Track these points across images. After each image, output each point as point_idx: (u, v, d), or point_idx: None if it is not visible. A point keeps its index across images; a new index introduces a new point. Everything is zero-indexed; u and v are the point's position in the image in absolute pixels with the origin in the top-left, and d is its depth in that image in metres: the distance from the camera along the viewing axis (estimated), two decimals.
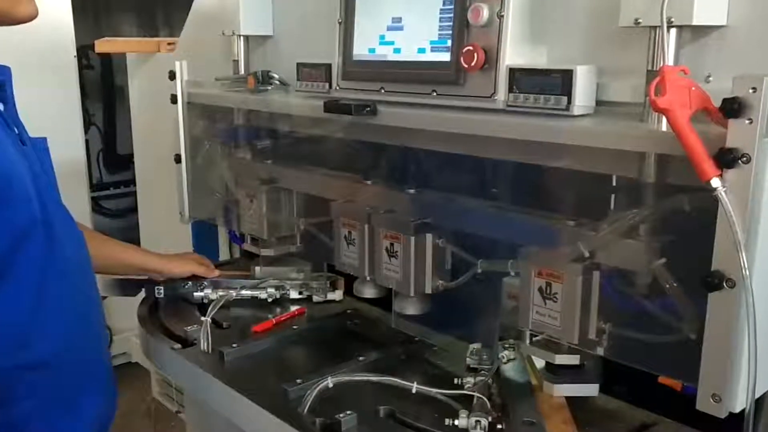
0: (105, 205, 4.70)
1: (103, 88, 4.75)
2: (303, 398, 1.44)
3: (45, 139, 1.48)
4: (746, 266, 1.04)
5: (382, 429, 1.41)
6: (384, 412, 1.45)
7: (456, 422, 1.34)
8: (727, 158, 1.05)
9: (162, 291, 2.05)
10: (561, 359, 1.44)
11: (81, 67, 3.99)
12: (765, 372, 1.15)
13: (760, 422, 1.23)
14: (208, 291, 2.02)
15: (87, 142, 4.08)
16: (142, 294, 2.10)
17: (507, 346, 1.58)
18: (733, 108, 1.03)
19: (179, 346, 1.77)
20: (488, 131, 1.42)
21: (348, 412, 1.39)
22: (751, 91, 1.02)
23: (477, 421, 1.32)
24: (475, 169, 1.59)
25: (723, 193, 1.05)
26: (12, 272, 1.27)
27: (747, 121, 1.03)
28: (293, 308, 1.98)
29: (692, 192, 1.16)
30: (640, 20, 1.22)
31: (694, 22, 1.18)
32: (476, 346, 1.64)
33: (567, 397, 1.43)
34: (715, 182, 1.06)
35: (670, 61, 1.22)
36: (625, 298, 1.32)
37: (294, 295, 2.04)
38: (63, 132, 3.50)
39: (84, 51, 4.02)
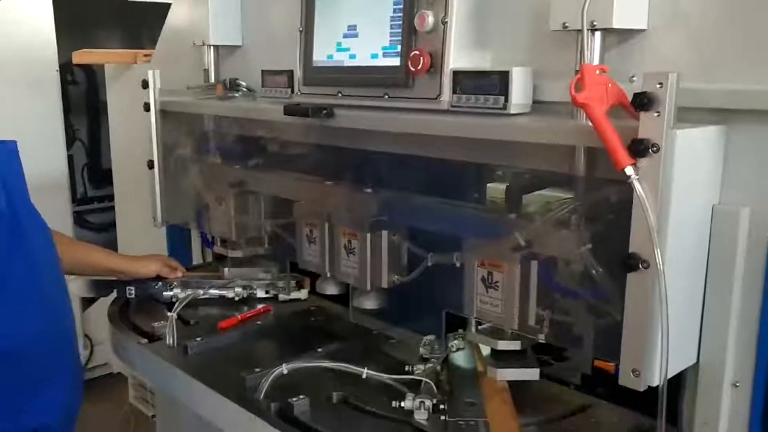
0: (89, 219, 4.74)
1: (87, 103, 4.81)
2: (259, 385, 1.51)
3: (15, 142, 1.55)
4: (659, 248, 1.12)
5: (333, 412, 1.48)
6: (337, 397, 1.52)
7: (402, 404, 1.41)
8: (639, 148, 1.13)
9: (133, 291, 2.12)
10: (503, 345, 1.51)
11: (66, 83, 4.06)
12: (683, 348, 1.24)
13: (684, 397, 1.30)
14: (177, 290, 2.09)
15: (71, 156, 4.15)
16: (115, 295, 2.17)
17: (456, 336, 1.66)
18: (643, 102, 1.12)
19: (146, 341, 1.84)
20: (434, 130, 1.52)
21: (300, 396, 1.46)
22: (658, 86, 1.11)
23: (421, 402, 1.39)
24: (427, 169, 1.67)
25: (636, 181, 1.14)
26: None
27: (656, 114, 1.12)
28: (259, 306, 2.05)
29: (616, 184, 1.24)
30: (567, 24, 1.32)
31: (615, 26, 1.28)
32: (430, 337, 1.72)
33: (510, 381, 1.50)
34: (629, 170, 1.14)
35: (595, 62, 1.31)
36: (561, 285, 1.40)
37: (261, 294, 2.12)
38: (46, 145, 3.57)
39: (68, 67, 4.10)
